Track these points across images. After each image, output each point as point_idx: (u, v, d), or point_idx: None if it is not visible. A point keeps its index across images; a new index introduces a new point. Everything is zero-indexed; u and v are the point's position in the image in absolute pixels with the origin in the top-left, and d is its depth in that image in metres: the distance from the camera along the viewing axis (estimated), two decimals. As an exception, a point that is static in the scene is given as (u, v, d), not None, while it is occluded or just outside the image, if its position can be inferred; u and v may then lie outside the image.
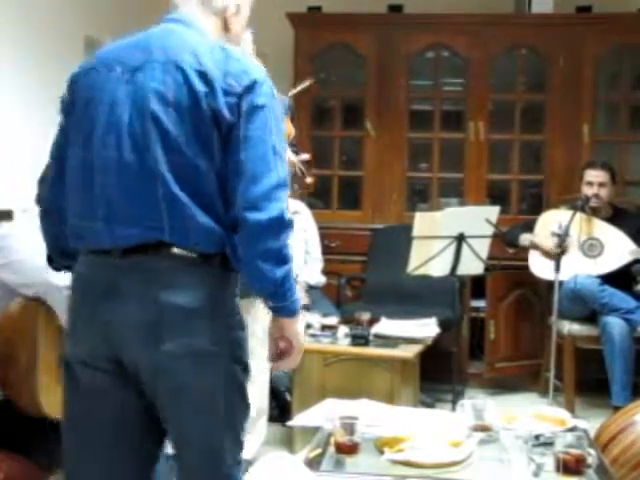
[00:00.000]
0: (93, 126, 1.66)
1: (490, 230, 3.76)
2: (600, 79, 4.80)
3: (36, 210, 2.03)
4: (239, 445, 1.72)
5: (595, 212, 4.16)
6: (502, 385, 4.50)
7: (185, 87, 1.61)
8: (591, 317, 4.00)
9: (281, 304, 1.71)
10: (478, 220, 3.72)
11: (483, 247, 3.77)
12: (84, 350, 1.65)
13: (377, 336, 3.45)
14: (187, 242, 1.62)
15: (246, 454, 3.29)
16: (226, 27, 1.81)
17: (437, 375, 4.08)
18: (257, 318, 3.21)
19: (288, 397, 3.67)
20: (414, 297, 4.18)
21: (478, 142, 4.78)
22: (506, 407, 2.47)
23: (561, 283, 3.87)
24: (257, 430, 3.26)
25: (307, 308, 4.08)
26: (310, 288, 4.23)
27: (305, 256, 4.34)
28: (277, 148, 1.65)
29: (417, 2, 4.90)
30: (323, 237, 4.51)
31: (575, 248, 4.10)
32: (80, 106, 1.71)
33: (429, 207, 4.70)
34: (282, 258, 1.63)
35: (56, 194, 1.75)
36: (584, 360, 4.11)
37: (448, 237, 3.67)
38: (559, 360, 3.90)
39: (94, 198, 1.64)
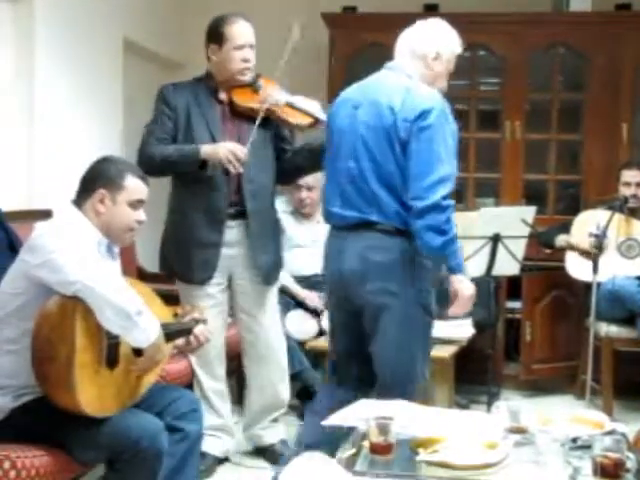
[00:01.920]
0: (336, 146, 2.61)
1: (526, 231, 3.73)
2: (639, 78, 4.72)
3: (71, 208, 2.15)
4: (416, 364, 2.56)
5: (633, 213, 4.11)
6: (538, 387, 4.46)
7: (381, 117, 2.47)
8: (629, 319, 3.95)
9: (448, 264, 2.46)
10: (514, 220, 3.68)
11: (519, 248, 3.73)
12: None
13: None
14: (386, 221, 2.47)
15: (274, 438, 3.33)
16: (428, 69, 2.60)
17: (472, 376, 4.05)
18: (247, 296, 3.25)
19: (322, 397, 3.67)
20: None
21: (514, 142, 4.74)
22: (542, 409, 2.44)
23: (599, 284, 3.82)
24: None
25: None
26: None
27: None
28: (441, 155, 2.40)
29: (453, 1, 4.87)
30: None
31: (613, 249, 4.05)
32: (333, 130, 2.65)
33: (465, 207, 4.67)
34: (440, 231, 2.38)
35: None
36: (622, 362, 4.05)
37: (483, 237, 3.64)
38: (596, 362, 3.86)
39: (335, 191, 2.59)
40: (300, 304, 4.04)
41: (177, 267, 3.16)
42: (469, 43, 4.86)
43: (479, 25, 4.80)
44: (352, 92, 2.65)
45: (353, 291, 2.55)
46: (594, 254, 3.79)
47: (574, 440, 2.08)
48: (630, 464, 1.92)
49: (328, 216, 2.66)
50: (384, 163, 2.47)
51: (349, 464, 1.99)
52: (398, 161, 2.45)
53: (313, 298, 4.02)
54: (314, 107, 3.11)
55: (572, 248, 4.13)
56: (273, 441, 3.35)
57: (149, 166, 2.96)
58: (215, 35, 3.08)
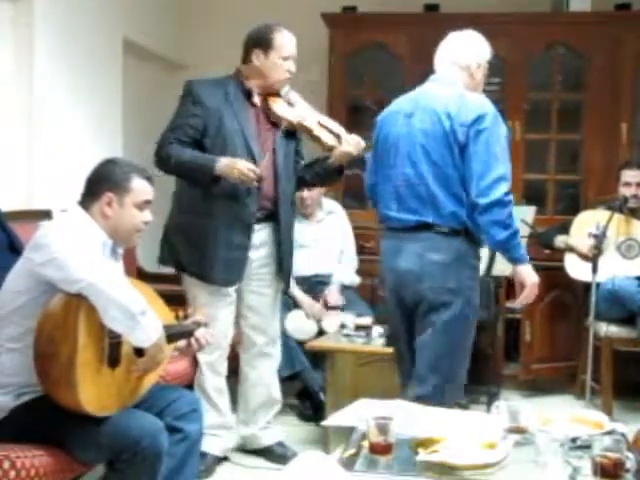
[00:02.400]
0: (389, 153, 2.76)
1: (526, 231, 3.72)
2: (639, 77, 4.72)
3: (77, 209, 2.16)
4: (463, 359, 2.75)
5: (633, 213, 4.11)
6: (538, 387, 4.46)
7: (437, 123, 2.64)
8: (629, 319, 3.95)
9: (510, 256, 2.63)
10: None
11: None
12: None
13: (411, 336, 3.44)
14: (442, 222, 2.62)
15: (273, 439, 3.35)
16: (471, 78, 2.79)
17: (472, 376, 4.04)
18: (261, 296, 3.27)
19: (322, 397, 3.68)
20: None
21: (514, 142, 4.72)
22: (542, 409, 2.45)
23: (598, 284, 3.82)
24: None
25: (341, 308, 4.08)
26: (344, 288, 4.23)
27: (339, 256, 4.34)
28: (498, 155, 2.58)
29: (453, 1, 4.88)
30: (357, 237, 4.50)
31: (612, 249, 4.05)
32: (384, 139, 2.82)
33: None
34: (505, 225, 2.56)
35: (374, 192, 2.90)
36: (621, 362, 4.05)
37: None
38: (596, 362, 3.86)
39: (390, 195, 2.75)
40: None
41: (196, 267, 3.12)
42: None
43: (479, 25, 4.73)
44: (401, 103, 2.84)
45: (410, 289, 2.71)
46: (594, 254, 3.79)
47: (574, 440, 2.08)
48: (630, 464, 1.92)
49: (384, 219, 2.82)
50: (443, 166, 2.64)
51: (349, 464, 1.99)
52: (456, 163, 2.63)
53: (313, 306, 4.02)
54: (340, 128, 3.19)
55: (571, 250, 4.13)
56: (270, 443, 3.36)
57: (164, 165, 3.02)
58: (262, 41, 3.09)
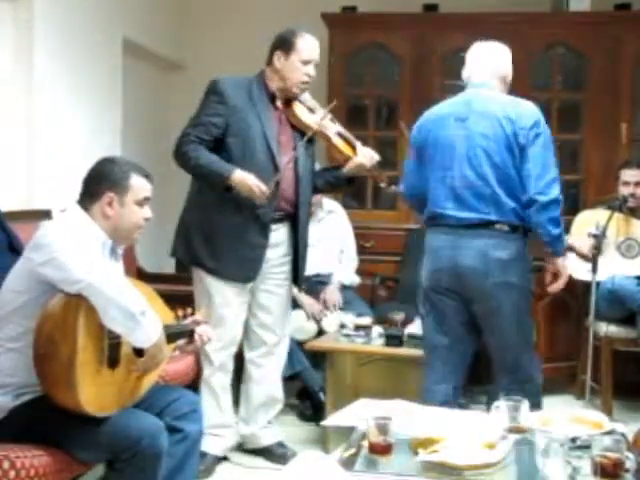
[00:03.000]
0: (443, 155, 2.89)
1: None
2: (639, 77, 4.72)
3: (77, 209, 2.17)
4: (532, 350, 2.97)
5: (633, 212, 4.11)
6: (537, 387, 4.45)
7: (498, 127, 2.81)
8: (629, 318, 3.95)
9: (556, 249, 2.87)
10: None
11: None
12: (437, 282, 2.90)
13: (411, 336, 3.44)
14: (504, 219, 2.79)
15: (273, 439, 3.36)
16: (505, 86, 3.05)
17: (472, 376, 4.04)
18: (274, 295, 3.30)
19: (322, 397, 3.68)
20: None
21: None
22: (541, 409, 2.45)
23: (598, 284, 3.82)
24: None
25: (341, 308, 4.09)
26: (344, 288, 4.23)
27: (340, 256, 4.34)
28: (551, 158, 2.81)
29: (452, 1, 4.88)
30: (358, 237, 4.50)
31: (612, 249, 4.05)
32: (430, 143, 2.94)
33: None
34: (558, 223, 2.80)
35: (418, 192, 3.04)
36: (622, 362, 4.05)
37: None
38: (596, 362, 3.86)
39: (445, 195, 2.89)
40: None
41: (214, 264, 3.13)
42: (468, 43, 4.88)
43: (478, 25, 4.80)
44: (449, 107, 2.97)
45: (471, 285, 2.83)
46: (593, 254, 3.79)
47: (573, 440, 2.08)
48: (629, 464, 1.92)
49: (436, 217, 2.93)
50: (504, 167, 2.82)
51: (348, 464, 1.99)
52: (515, 164, 2.81)
53: (313, 305, 4.02)
54: (355, 140, 3.27)
55: (570, 250, 4.13)
56: (270, 442, 3.37)
57: (182, 163, 3.06)
58: (285, 43, 3.12)
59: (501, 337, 2.88)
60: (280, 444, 3.38)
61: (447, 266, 2.86)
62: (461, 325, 2.93)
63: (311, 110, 3.21)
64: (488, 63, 3.01)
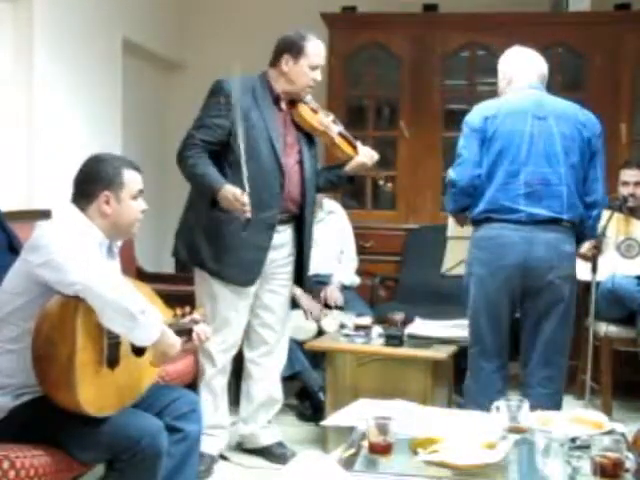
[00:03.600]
0: (518, 149, 2.95)
1: None
2: (638, 77, 4.73)
3: (73, 209, 2.16)
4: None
5: (633, 212, 4.11)
6: (537, 387, 4.44)
7: (575, 130, 2.98)
8: (629, 318, 3.95)
9: (593, 234, 3.20)
10: None
11: None
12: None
13: (411, 336, 3.44)
14: (570, 218, 2.97)
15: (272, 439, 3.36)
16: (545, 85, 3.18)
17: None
18: (278, 295, 3.31)
19: (322, 397, 3.68)
20: (448, 297, 4.14)
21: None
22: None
23: (598, 284, 3.82)
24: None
25: (341, 308, 4.09)
26: (344, 288, 4.23)
27: (339, 256, 4.34)
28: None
29: (452, 1, 4.88)
30: (357, 237, 4.51)
31: (612, 249, 4.05)
32: (502, 136, 2.98)
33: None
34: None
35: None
36: (621, 362, 4.05)
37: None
38: (595, 362, 3.85)
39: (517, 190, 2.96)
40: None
41: (217, 266, 3.11)
42: (467, 43, 4.90)
43: (478, 25, 4.82)
44: (523, 103, 3.02)
45: (541, 277, 2.94)
46: (593, 254, 3.79)
47: (573, 440, 2.09)
48: (629, 464, 1.92)
49: (505, 211, 2.96)
50: (578, 169, 2.98)
51: (348, 464, 1.99)
52: (584, 167, 3.00)
53: (313, 305, 4.02)
54: (355, 140, 3.29)
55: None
56: (270, 442, 3.37)
57: (180, 165, 3.05)
58: (294, 47, 3.11)
59: (555, 328, 3.00)
60: (280, 444, 3.38)
61: (519, 261, 2.93)
62: (508, 321, 3.05)
63: (314, 111, 3.23)
64: (538, 67, 3.15)
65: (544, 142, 2.95)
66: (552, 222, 2.94)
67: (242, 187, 2.92)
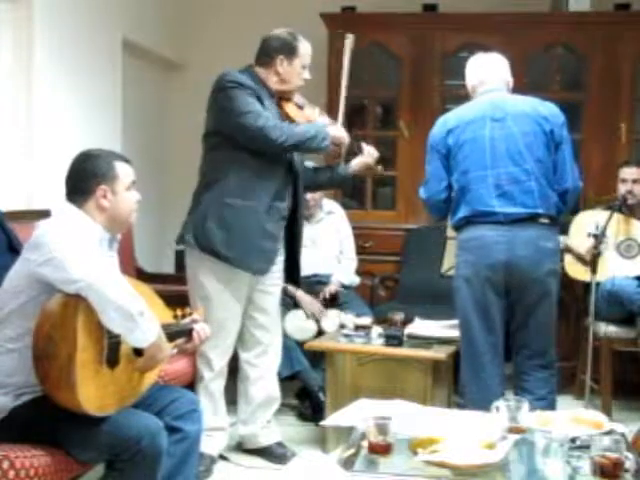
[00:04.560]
0: (483, 154, 3.03)
1: None
2: (638, 77, 4.73)
3: (70, 207, 2.16)
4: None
5: (633, 213, 4.11)
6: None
7: (536, 125, 3.03)
8: (628, 319, 3.95)
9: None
10: None
11: None
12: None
13: (411, 336, 3.44)
14: (548, 212, 3.02)
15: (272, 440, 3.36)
16: (509, 90, 3.25)
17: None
18: (270, 295, 3.32)
19: (322, 397, 3.68)
20: (448, 297, 4.14)
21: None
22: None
23: (598, 284, 3.82)
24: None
25: (340, 307, 4.09)
26: (344, 288, 4.23)
27: (339, 256, 4.34)
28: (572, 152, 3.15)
29: (452, 1, 4.88)
30: (357, 237, 4.50)
31: (612, 249, 4.05)
32: (466, 144, 3.06)
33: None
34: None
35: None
36: (621, 362, 4.05)
37: None
38: (595, 362, 3.85)
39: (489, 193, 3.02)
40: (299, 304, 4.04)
41: (233, 252, 3.09)
42: (467, 43, 4.90)
43: (478, 25, 4.81)
44: (480, 110, 3.11)
45: (524, 274, 3.00)
46: (593, 254, 3.79)
47: (573, 440, 2.09)
48: (629, 464, 1.92)
49: (483, 215, 3.03)
50: (546, 162, 3.04)
51: (348, 464, 1.99)
52: (552, 159, 3.06)
53: (312, 304, 4.02)
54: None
55: (569, 251, 4.13)
56: (270, 442, 3.37)
57: (280, 147, 3.05)
58: (288, 48, 3.14)
59: (544, 320, 3.07)
60: (279, 444, 3.38)
61: (502, 259, 2.98)
62: (501, 320, 3.08)
63: (300, 107, 3.24)
64: (497, 70, 3.23)
65: (506, 143, 3.02)
66: (530, 219, 3.00)
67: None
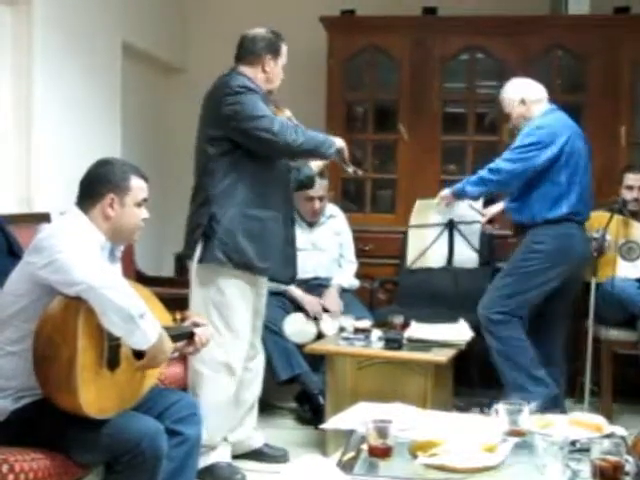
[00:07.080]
0: (577, 163, 3.68)
1: (479, 217, 3.78)
2: (638, 81, 4.73)
3: (76, 212, 2.16)
4: None
5: (634, 215, 4.10)
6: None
7: (583, 141, 3.74)
8: (629, 321, 3.94)
9: None
10: (467, 207, 3.81)
11: (474, 236, 3.79)
12: None
13: (410, 340, 3.44)
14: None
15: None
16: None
17: (471, 379, 4.05)
18: (263, 297, 3.34)
19: (321, 400, 3.68)
20: (447, 301, 4.15)
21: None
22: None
23: (598, 286, 3.82)
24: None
25: (340, 311, 4.08)
26: (343, 291, 4.22)
27: (339, 259, 4.34)
28: None
29: (451, 4, 4.88)
30: (357, 240, 4.50)
31: (613, 251, 4.05)
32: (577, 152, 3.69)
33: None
34: None
35: None
36: (621, 365, 4.05)
37: (439, 225, 3.72)
38: (595, 365, 3.85)
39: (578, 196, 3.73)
40: (299, 307, 4.03)
41: (265, 264, 3.09)
42: (467, 46, 4.90)
43: (477, 28, 4.81)
44: (568, 124, 3.75)
45: (581, 269, 3.78)
46: (594, 256, 3.79)
47: (573, 443, 2.09)
48: (629, 467, 1.92)
49: (573, 215, 3.66)
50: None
51: (348, 467, 1.99)
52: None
53: (314, 303, 4.01)
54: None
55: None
56: (259, 445, 3.40)
57: (295, 151, 3.06)
58: (274, 48, 3.15)
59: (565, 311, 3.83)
60: (267, 444, 3.40)
61: (579, 256, 3.71)
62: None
63: (279, 109, 3.21)
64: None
65: (586, 156, 3.73)
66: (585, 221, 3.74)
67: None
